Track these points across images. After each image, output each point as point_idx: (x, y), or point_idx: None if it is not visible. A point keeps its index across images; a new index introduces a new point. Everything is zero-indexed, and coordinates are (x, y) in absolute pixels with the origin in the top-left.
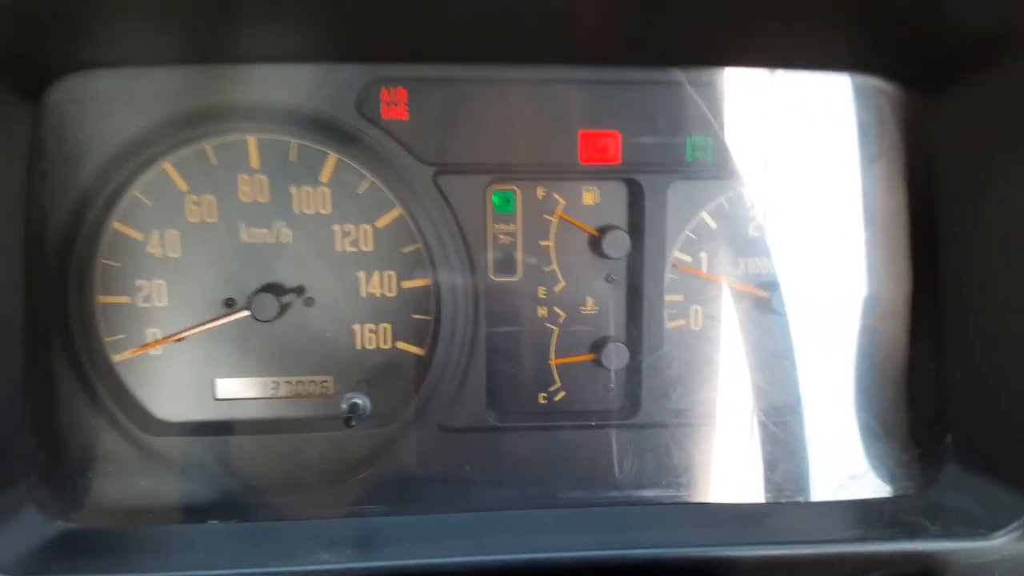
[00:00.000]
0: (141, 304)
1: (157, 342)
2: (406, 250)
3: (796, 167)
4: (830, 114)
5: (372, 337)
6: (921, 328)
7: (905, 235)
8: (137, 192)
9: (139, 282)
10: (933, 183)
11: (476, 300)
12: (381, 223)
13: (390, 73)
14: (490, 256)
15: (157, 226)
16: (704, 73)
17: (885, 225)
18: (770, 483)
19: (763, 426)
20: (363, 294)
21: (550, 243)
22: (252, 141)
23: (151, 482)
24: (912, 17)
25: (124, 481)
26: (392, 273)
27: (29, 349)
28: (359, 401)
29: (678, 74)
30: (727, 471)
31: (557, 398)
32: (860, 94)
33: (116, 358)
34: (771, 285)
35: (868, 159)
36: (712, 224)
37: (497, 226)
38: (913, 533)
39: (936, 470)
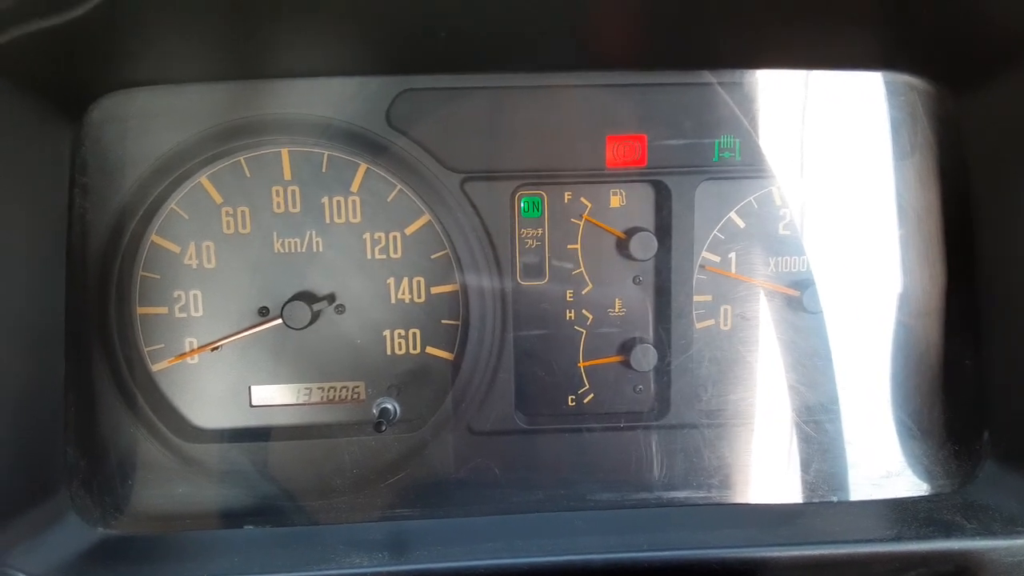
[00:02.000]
0: (178, 314)
1: (194, 351)
2: (435, 256)
3: (827, 165)
4: (861, 111)
5: (402, 343)
6: (957, 324)
7: (939, 231)
8: (174, 206)
9: (176, 293)
10: (967, 178)
11: (504, 304)
12: (410, 230)
13: (418, 84)
14: (517, 260)
15: (194, 238)
16: (733, 74)
17: (919, 221)
18: (803, 483)
19: (796, 425)
20: (393, 300)
21: (577, 246)
22: (285, 153)
23: (189, 488)
24: (943, 13)
25: (163, 488)
26: (421, 279)
27: (71, 360)
28: (389, 406)
29: (707, 76)
30: (759, 471)
31: (586, 400)
32: (891, 91)
33: (155, 367)
34: (803, 284)
35: (900, 155)
36: (741, 224)
37: (524, 231)
38: (949, 532)
39: (973, 467)
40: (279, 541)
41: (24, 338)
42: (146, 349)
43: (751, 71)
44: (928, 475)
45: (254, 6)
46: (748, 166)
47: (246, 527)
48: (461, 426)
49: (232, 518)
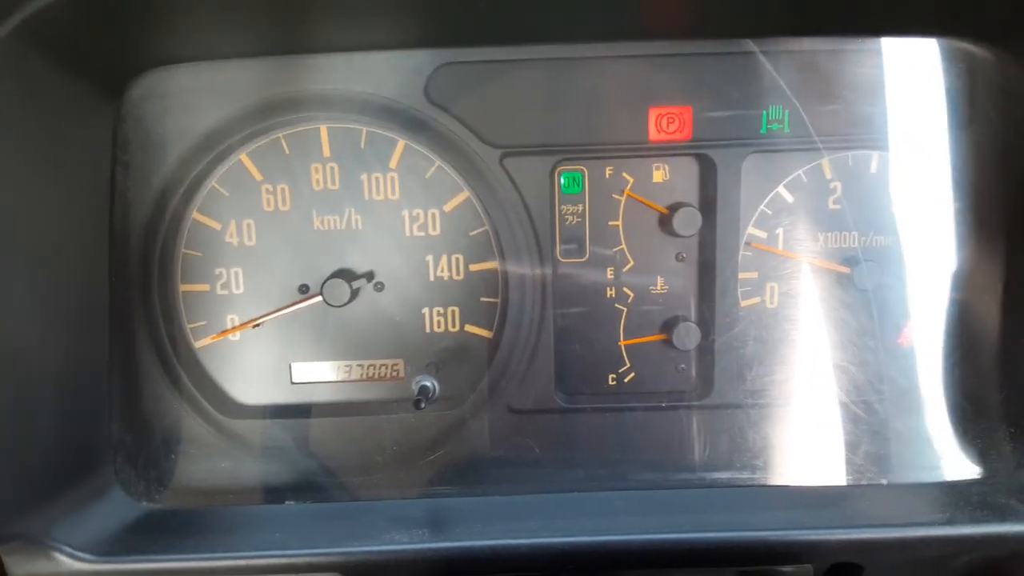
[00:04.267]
0: (220, 291)
1: (235, 328)
2: (473, 233)
3: (880, 136)
4: (915, 80)
5: (441, 320)
6: (1014, 302)
7: (997, 205)
8: (215, 183)
9: (218, 270)
10: None
11: (543, 282)
12: (448, 207)
13: (457, 57)
14: (557, 237)
15: (234, 215)
16: (780, 43)
17: (976, 195)
18: (851, 465)
19: (844, 406)
20: (431, 278)
21: (619, 223)
22: (324, 130)
23: (231, 464)
24: None
25: (205, 463)
26: (460, 256)
27: (115, 337)
28: (428, 384)
29: (752, 45)
30: (806, 452)
31: (627, 379)
32: (947, 58)
33: (197, 344)
34: (853, 260)
35: (957, 126)
36: (789, 198)
37: (564, 207)
38: (1004, 515)
39: None
40: (320, 516)
41: (69, 316)
42: (189, 326)
43: (800, 39)
44: (982, 457)
45: None
46: (797, 138)
47: (287, 502)
48: (500, 404)
49: (273, 493)
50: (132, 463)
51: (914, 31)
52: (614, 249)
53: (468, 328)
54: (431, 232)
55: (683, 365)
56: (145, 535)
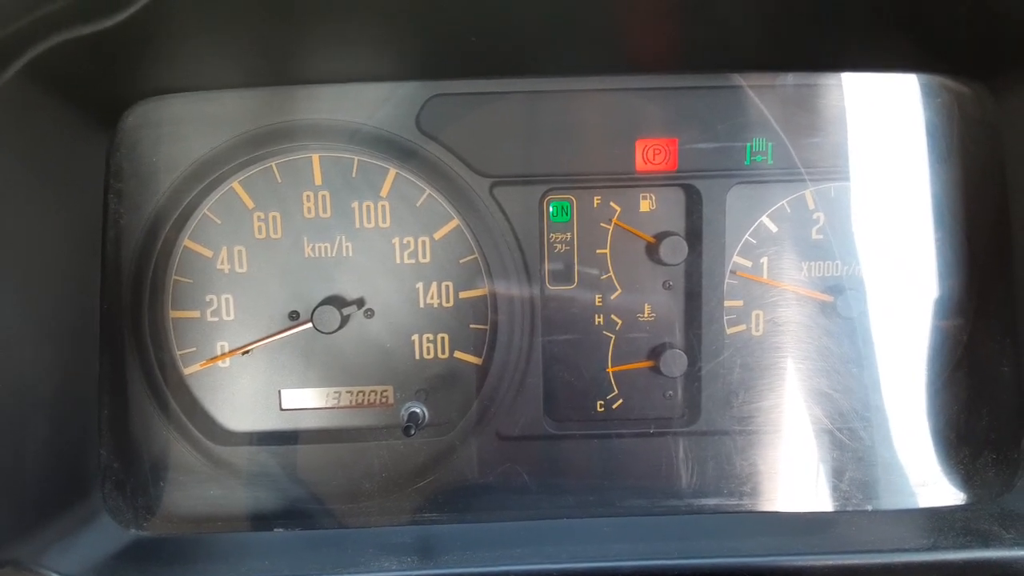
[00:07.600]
0: (210, 318)
1: (225, 355)
2: (463, 261)
3: (861, 168)
4: (896, 114)
5: (430, 347)
6: (994, 330)
7: (977, 235)
8: (207, 211)
9: (208, 297)
10: (1005, 181)
11: (533, 309)
12: (439, 235)
13: (448, 89)
14: (546, 265)
15: (226, 243)
16: (764, 77)
17: (955, 225)
18: (837, 491)
19: (829, 433)
20: (421, 305)
21: (606, 251)
22: (316, 159)
23: (220, 491)
24: (975, 10)
25: (194, 490)
26: (449, 284)
27: (105, 363)
28: (417, 410)
29: (737, 79)
30: (792, 479)
31: (615, 406)
32: (926, 93)
33: (187, 371)
34: (836, 288)
35: (937, 158)
36: (773, 228)
37: (553, 235)
38: (987, 541)
39: (1011, 476)
40: (308, 544)
41: (59, 341)
42: (178, 352)
43: (783, 74)
44: (965, 484)
45: (286, 13)
46: (781, 169)
47: (276, 530)
48: (489, 431)
49: (262, 521)
50: (120, 490)
51: (894, 67)
52: (602, 277)
53: (458, 355)
54: (421, 260)
55: (670, 392)
56: (133, 563)
